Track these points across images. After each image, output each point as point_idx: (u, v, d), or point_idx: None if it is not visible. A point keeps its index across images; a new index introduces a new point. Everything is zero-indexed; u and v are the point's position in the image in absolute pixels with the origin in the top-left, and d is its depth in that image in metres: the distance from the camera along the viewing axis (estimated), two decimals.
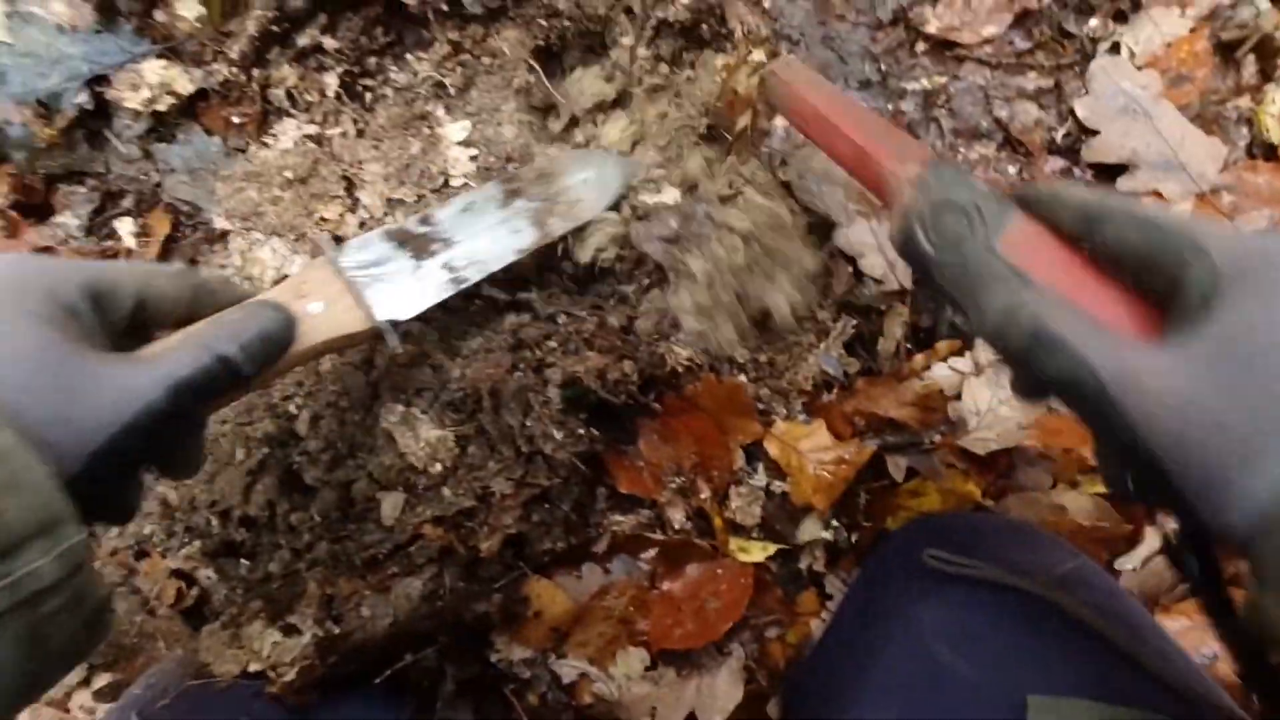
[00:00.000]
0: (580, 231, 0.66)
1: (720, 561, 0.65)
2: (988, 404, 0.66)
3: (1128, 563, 0.65)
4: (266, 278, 0.66)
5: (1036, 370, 0.31)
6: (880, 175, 0.42)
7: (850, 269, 0.68)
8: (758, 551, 0.65)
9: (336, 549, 0.62)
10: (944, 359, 0.67)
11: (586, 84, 0.74)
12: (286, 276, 0.66)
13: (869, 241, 0.68)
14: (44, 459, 0.30)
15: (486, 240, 0.59)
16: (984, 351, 0.67)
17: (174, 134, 0.69)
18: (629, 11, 0.75)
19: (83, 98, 0.66)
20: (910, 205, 0.38)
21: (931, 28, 0.72)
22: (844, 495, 0.65)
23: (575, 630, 0.65)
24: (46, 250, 0.67)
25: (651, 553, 0.66)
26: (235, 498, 0.64)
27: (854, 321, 0.68)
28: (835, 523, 0.66)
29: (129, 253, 0.68)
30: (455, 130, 0.73)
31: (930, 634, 0.51)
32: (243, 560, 0.65)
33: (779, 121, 0.73)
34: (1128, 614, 0.51)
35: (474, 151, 0.73)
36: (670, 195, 0.68)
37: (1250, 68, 0.70)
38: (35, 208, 0.67)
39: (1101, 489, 0.65)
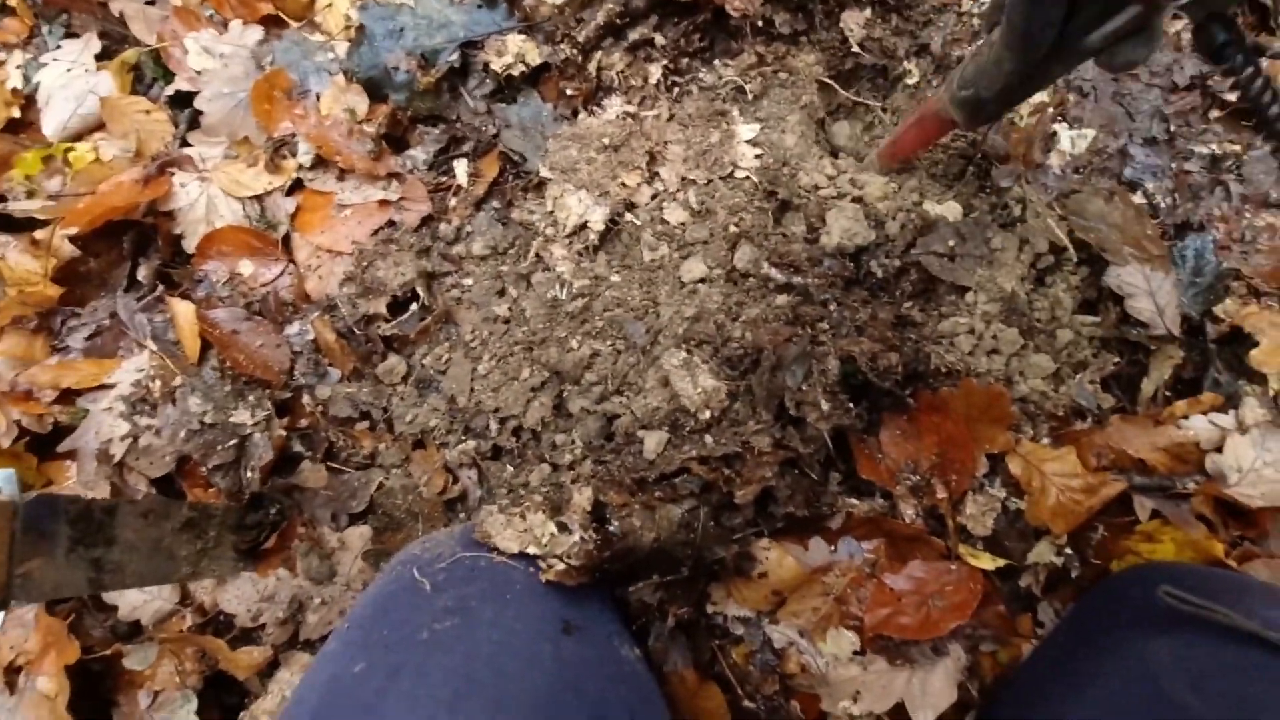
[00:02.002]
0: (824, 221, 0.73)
1: (950, 563, 0.67)
2: (1250, 463, 0.65)
3: None
4: (570, 223, 0.75)
5: None
6: (935, 116, 0.60)
7: (1117, 309, 0.70)
8: (988, 560, 0.66)
9: (599, 469, 0.69)
10: (1205, 411, 0.67)
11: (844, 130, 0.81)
12: (586, 224, 0.75)
13: (1140, 285, 0.69)
14: None
15: None
16: (1251, 411, 0.67)
17: (515, 96, 0.80)
18: (923, 50, 0.81)
19: (455, 57, 0.78)
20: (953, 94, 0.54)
21: (1231, 96, 0.74)
22: (1082, 525, 0.66)
23: (792, 599, 0.68)
24: (394, 177, 0.79)
25: (877, 541, 0.69)
26: (516, 408, 0.72)
27: (1115, 359, 0.69)
28: (1068, 550, 0.66)
29: (459, 188, 0.79)
30: (746, 130, 0.80)
31: (1161, 666, 0.50)
32: (508, 466, 0.73)
33: (1054, 159, 0.76)
34: None
35: (759, 151, 0.80)
36: (952, 211, 0.73)
37: None
38: (397, 140, 0.79)
39: None
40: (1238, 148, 0.74)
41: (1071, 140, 0.77)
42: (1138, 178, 0.75)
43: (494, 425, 0.73)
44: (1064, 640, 0.63)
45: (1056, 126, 0.77)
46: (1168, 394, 0.69)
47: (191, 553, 0.67)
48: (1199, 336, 0.69)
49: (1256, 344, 0.67)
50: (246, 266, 0.76)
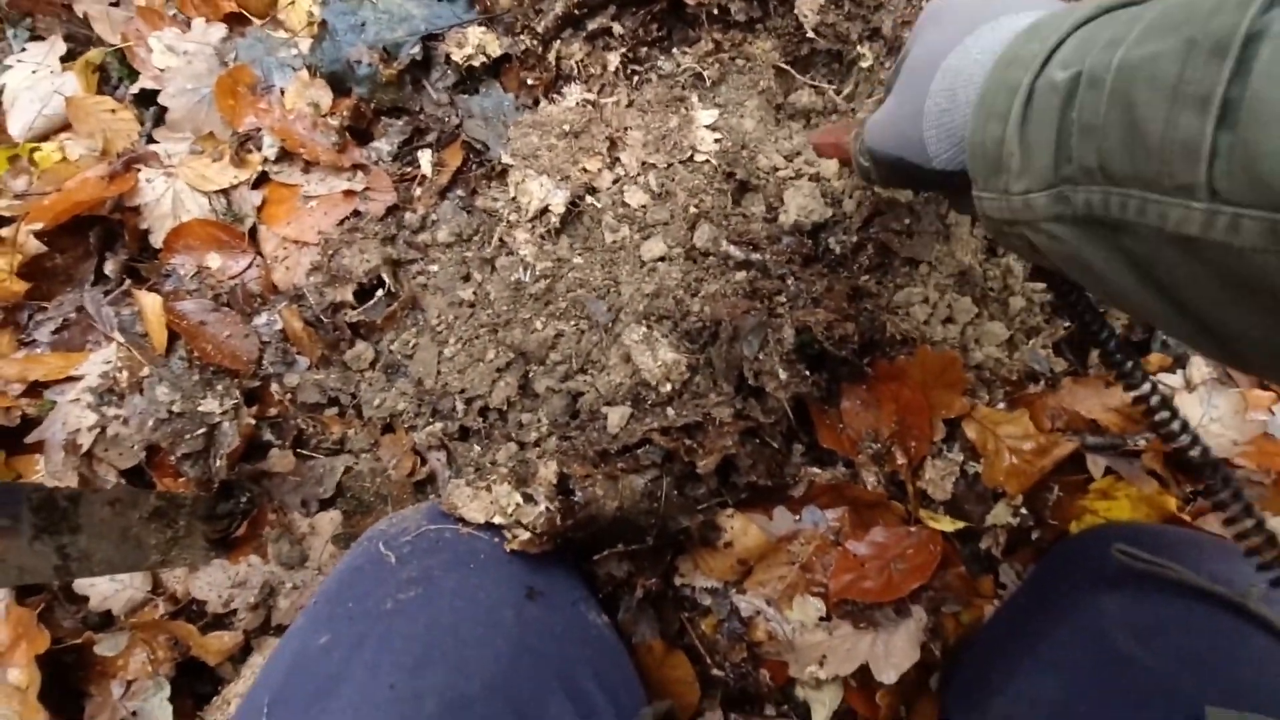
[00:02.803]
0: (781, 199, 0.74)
1: (910, 527, 0.68)
2: (1198, 420, 0.66)
3: None
4: (531, 208, 0.76)
5: (875, 173, 0.49)
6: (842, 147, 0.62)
7: None
8: (948, 523, 0.67)
9: (564, 444, 0.70)
10: (1155, 372, 0.69)
11: (804, 98, 0.83)
12: (547, 208, 0.76)
13: None
14: None
15: None
16: (1197, 369, 0.68)
17: (477, 87, 0.82)
18: (875, 34, 0.83)
19: (416, 50, 0.79)
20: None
21: None
22: (1036, 485, 0.67)
23: (758, 568, 0.69)
24: (359, 169, 0.80)
25: (841, 510, 0.70)
26: (482, 388, 0.73)
27: (1065, 324, 0.71)
28: (1024, 511, 0.68)
29: (423, 179, 0.80)
30: (705, 115, 0.82)
31: (1110, 621, 0.52)
32: (475, 446, 0.74)
33: None
34: None
35: (718, 135, 0.82)
36: (905, 193, 0.74)
37: None
38: (361, 132, 0.81)
39: None
40: None
41: None
42: None
43: (460, 406, 0.74)
44: (1023, 600, 0.64)
45: None
46: (1120, 356, 0.70)
47: (161, 541, 0.68)
48: None
49: None
50: (214, 259, 0.77)
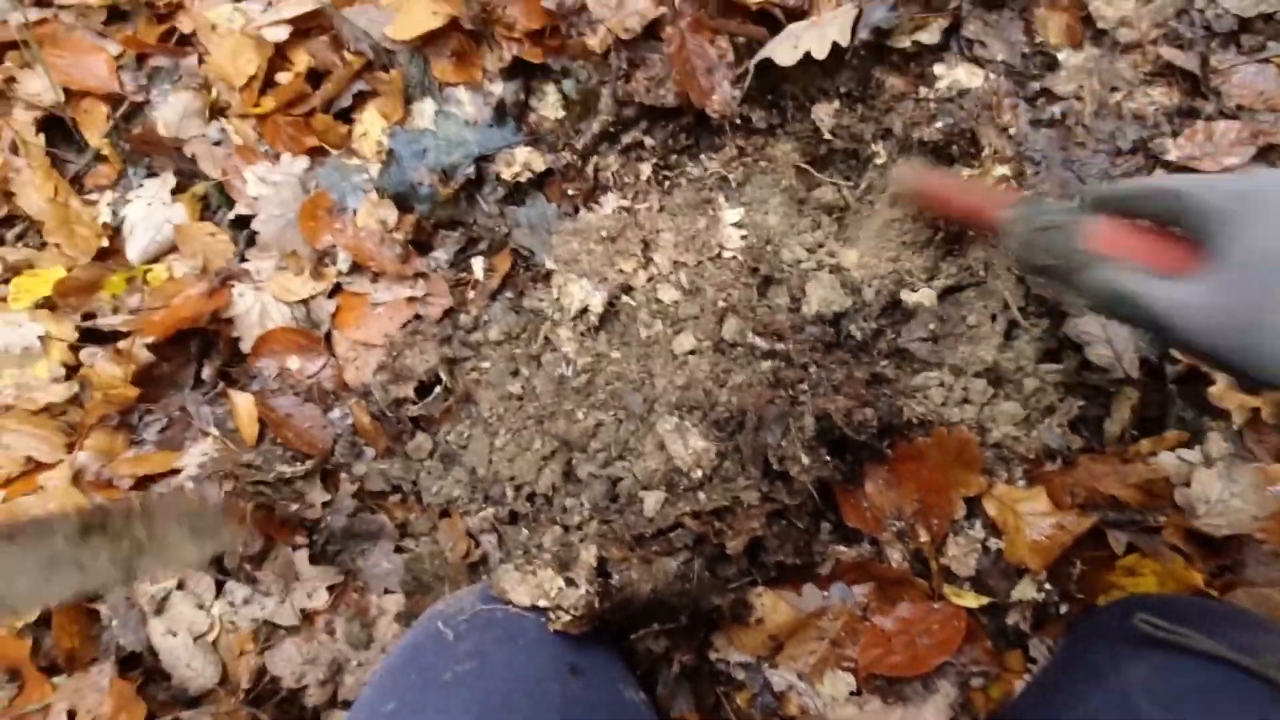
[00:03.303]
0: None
1: (935, 602, 0.71)
2: (1219, 494, 0.68)
3: None
4: (573, 308, 0.84)
5: (1122, 317, 0.46)
6: (988, 220, 0.61)
7: (1078, 356, 0.75)
8: (971, 599, 0.70)
9: (604, 528, 0.75)
10: (1172, 448, 0.71)
11: (827, 195, 0.89)
12: (587, 308, 0.84)
13: (1097, 334, 0.74)
14: None
15: None
16: (1215, 445, 0.70)
17: (523, 199, 0.91)
18: (888, 134, 0.90)
19: (470, 170, 0.90)
20: (1018, 233, 0.54)
21: (1171, 156, 0.80)
22: (1059, 561, 0.69)
23: (789, 644, 0.73)
24: (420, 276, 0.90)
25: (868, 586, 0.73)
26: (530, 475, 0.80)
27: (1080, 403, 0.74)
28: (1048, 586, 0.70)
29: (476, 284, 0.89)
30: (731, 214, 0.90)
31: (1135, 689, 0.54)
32: (524, 530, 0.80)
33: None
34: None
35: (744, 232, 0.89)
36: (928, 297, 0.80)
37: None
38: (422, 244, 0.91)
39: None
40: None
41: None
42: None
43: (510, 493, 0.80)
44: (1052, 672, 0.66)
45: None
46: (1134, 433, 0.73)
47: (116, 557, 0.62)
48: (1160, 377, 0.74)
49: (1213, 382, 0.71)
50: (294, 361, 0.87)
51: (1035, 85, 0.87)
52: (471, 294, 0.89)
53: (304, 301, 0.89)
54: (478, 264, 0.90)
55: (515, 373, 0.85)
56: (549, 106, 0.92)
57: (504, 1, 0.92)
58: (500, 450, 0.82)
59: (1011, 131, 0.86)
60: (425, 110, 0.92)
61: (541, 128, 0.91)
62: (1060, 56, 0.87)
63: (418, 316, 0.88)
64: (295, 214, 0.89)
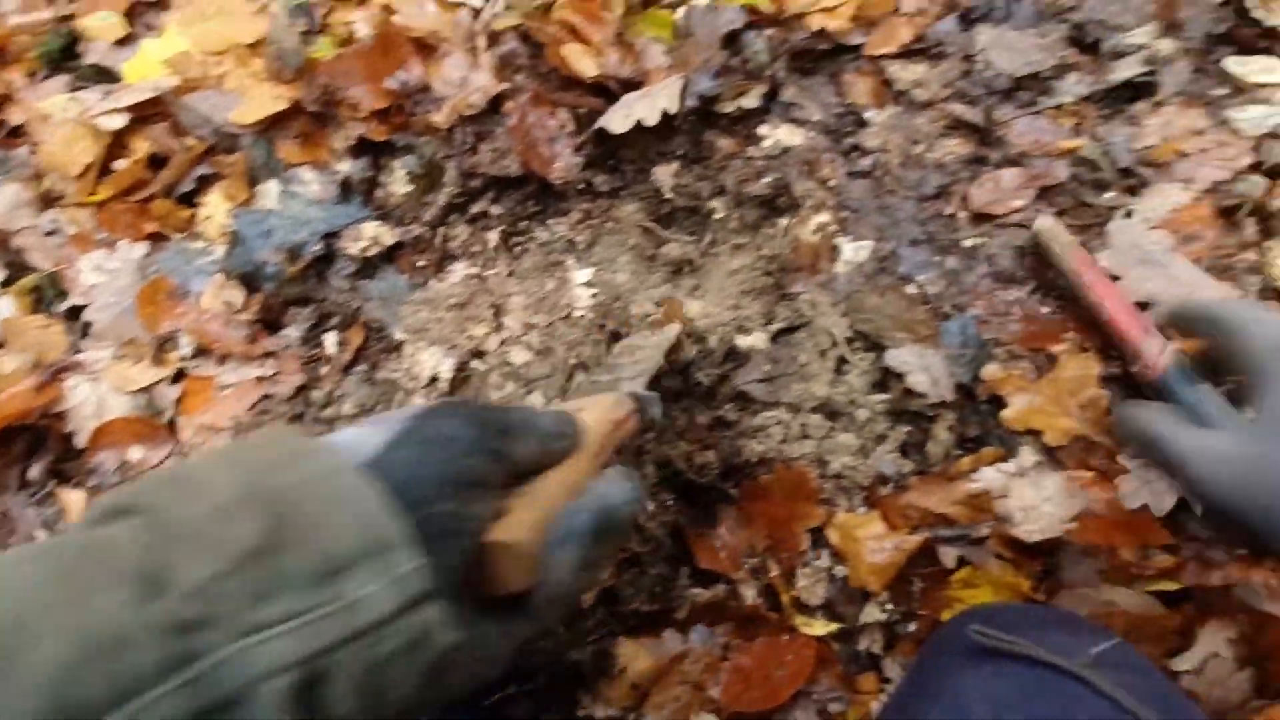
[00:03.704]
0: None
1: (786, 634, 0.72)
2: (1031, 501, 0.73)
3: (1184, 663, 0.68)
4: (424, 374, 0.85)
5: (1155, 460, 0.43)
6: (1132, 345, 0.71)
7: (901, 385, 0.80)
8: (820, 626, 0.72)
9: None
10: (991, 463, 0.76)
11: (674, 250, 0.94)
12: (437, 376, 0.85)
13: (915, 362, 0.80)
14: (375, 487, 0.28)
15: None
16: (1027, 458, 0.76)
17: (374, 272, 0.92)
18: (722, 191, 0.96)
19: (318, 247, 0.90)
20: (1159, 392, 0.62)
21: (969, 202, 0.89)
22: (897, 580, 0.73)
23: (654, 692, 0.73)
24: (270, 355, 0.89)
25: (726, 625, 0.75)
26: None
27: (907, 429, 0.79)
28: (890, 606, 0.73)
29: (329, 358, 0.89)
30: (581, 275, 0.93)
31: (970, 699, 0.57)
32: None
33: (840, 268, 0.89)
34: (1166, 695, 0.55)
35: (594, 291, 0.92)
36: (760, 340, 0.84)
37: (1251, 228, 0.82)
38: (271, 323, 0.90)
39: (1152, 587, 0.70)
40: (984, 239, 0.88)
41: (854, 250, 0.90)
42: (910, 273, 0.88)
43: None
44: (902, 689, 0.68)
45: (839, 240, 0.91)
46: (958, 453, 0.78)
47: None
48: (974, 399, 0.80)
49: (1006, 405, 0.77)
50: (136, 452, 0.84)
51: (849, 141, 0.95)
52: (324, 369, 0.88)
53: (145, 389, 0.86)
54: (330, 339, 0.89)
55: None
56: (396, 182, 0.94)
57: (347, 84, 0.94)
58: None
59: (831, 183, 0.93)
60: (271, 191, 0.92)
61: (389, 202, 0.93)
62: (868, 115, 0.96)
63: (267, 396, 0.86)
64: (133, 300, 0.87)
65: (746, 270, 0.92)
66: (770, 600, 0.75)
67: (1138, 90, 0.91)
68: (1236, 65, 0.88)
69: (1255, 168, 0.84)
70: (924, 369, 0.80)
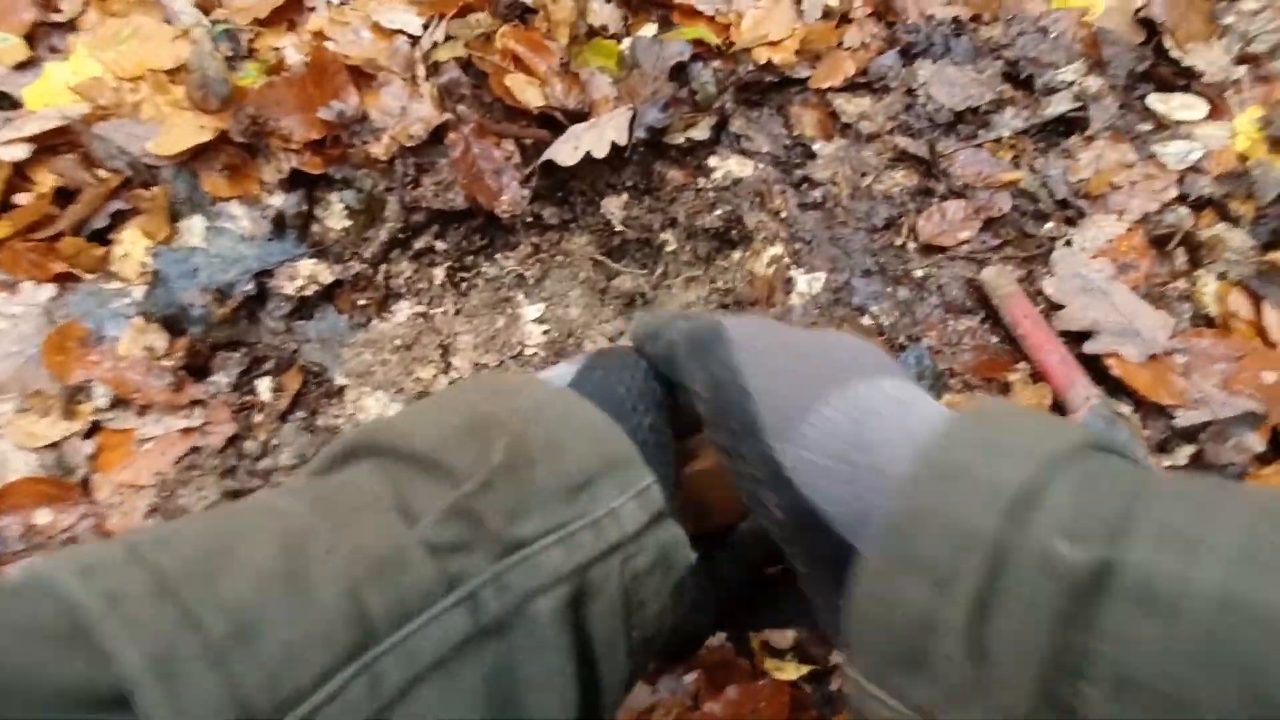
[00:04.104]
0: None
1: (759, 680, 0.71)
2: None
3: None
4: (368, 420, 0.80)
5: None
6: (1056, 389, 0.78)
7: None
8: (792, 670, 0.70)
9: None
10: None
11: (626, 283, 0.92)
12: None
13: None
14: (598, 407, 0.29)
15: None
16: None
17: (312, 313, 0.87)
18: (673, 223, 0.95)
19: (250, 287, 0.85)
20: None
21: (918, 234, 0.90)
22: None
23: None
24: (197, 404, 0.83)
25: (695, 674, 0.72)
26: None
27: None
28: None
29: (264, 405, 0.83)
30: (531, 311, 0.90)
31: None
32: None
33: (796, 299, 0.88)
34: None
35: (546, 327, 0.89)
36: None
37: (1181, 257, 0.85)
38: (198, 369, 0.83)
39: None
40: (935, 270, 0.89)
41: (808, 282, 0.90)
42: (864, 303, 0.89)
43: None
44: None
45: (793, 272, 0.91)
46: None
47: None
48: None
49: None
50: (44, 515, 0.76)
51: (799, 173, 0.96)
52: (258, 418, 0.83)
53: (54, 446, 0.78)
54: (264, 385, 0.84)
55: None
56: (334, 216, 0.89)
57: (278, 113, 0.89)
58: None
59: (783, 215, 0.93)
60: (195, 227, 0.86)
61: (327, 238, 0.88)
62: (816, 147, 0.96)
63: (195, 449, 0.80)
64: (38, 348, 0.79)
65: (701, 302, 0.91)
66: (740, 645, 0.73)
67: (1070, 125, 0.94)
68: (1159, 102, 0.93)
69: (1181, 199, 0.88)
70: None
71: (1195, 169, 0.89)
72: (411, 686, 0.22)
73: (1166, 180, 0.89)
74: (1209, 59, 0.93)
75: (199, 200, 0.88)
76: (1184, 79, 0.94)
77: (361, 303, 0.87)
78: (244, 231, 0.86)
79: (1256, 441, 0.75)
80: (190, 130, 0.87)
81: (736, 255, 0.91)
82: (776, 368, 0.31)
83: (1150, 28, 0.95)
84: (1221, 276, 0.83)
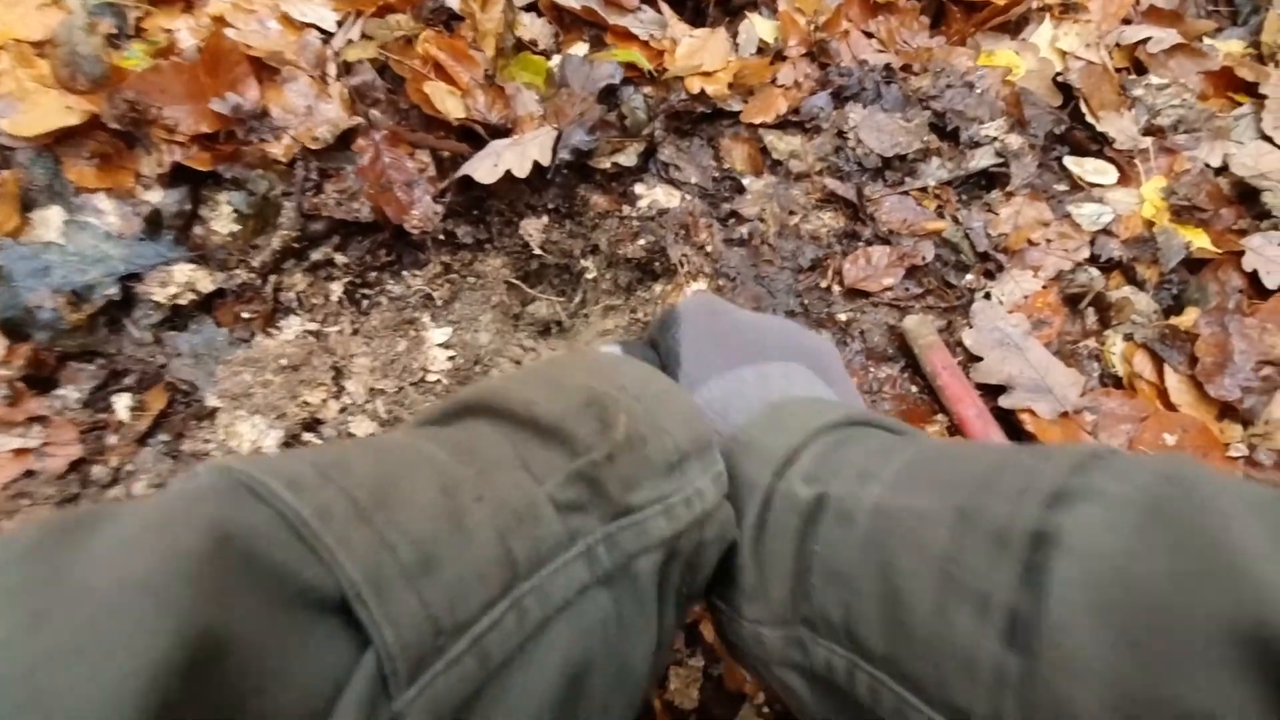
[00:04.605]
0: None
1: None
2: None
3: None
4: (243, 447, 0.72)
5: None
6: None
7: None
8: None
9: None
10: None
11: (542, 309, 0.88)
12: (260, 450, 0.72)
13: None
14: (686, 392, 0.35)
15: None
16: None
17: (187, 324, 0.78)
18: (595, 250, 0.91)
19: (113, 290, 0.75)
20: None
21: (844, 277, 0.88)
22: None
23: None
24: (37, 421, 0.72)
25: None
26: None
27: None
28: (767, 709, 0.68)
29: (120, 425, 0.73)
30: (438, 334, 0.83)
31: None
32: None
33: None
34: None
35: (452, 353, 0.83)
36: None
37: (1091, 317, 0.87)
38: (42, 380, 0.73)
39: None
40: (858, 314, 0.88)
41: None
42: None
43: None
44: None
45: None
46: None
47: None
48: None
49: None
50: None
51: (726, 207, 0.93)
52: (113, 439, 0.73)
53: None
54: (122, 402, 0.74)
55: None
56: (221, 219, 0.81)
57: (163, 101, 0.81)
58: None
59: (709, 249, 0.90)
60: (51, 219, 0.76)
61: (210, 243, 0.80)
62: (745, 182, 0.94)
63: (29, 472, 0.69)
64: None
65: (620, 331, 0.87)
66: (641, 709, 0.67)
67: (992, 179, 0.95)
68: (1074, 165, 0.95)
69: (1093, 260, 0.90)
70: None
71: (1106, 231, 0.91)
72: (548, 622, 0.25)
73: (1080, 240, 0.91)
74: (1119, 127, 0.97)
75: (60, 189, 0.78)
76: (1097, 144, 0.97)
77: (245, 316, 0.79)
78: (111, 228, 0.76)
79: None
80: (55, 110, 0.77)
81: (658, 288, 0.87)
82: (707, 338, 0.40)
83: (1068, 92, 0.98)
84: (1128, 338, 0.85)
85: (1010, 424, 0.80)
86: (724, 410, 0.37)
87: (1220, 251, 0.88)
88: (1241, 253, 0.88)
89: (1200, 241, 0.88)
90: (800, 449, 0.31)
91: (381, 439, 0.29)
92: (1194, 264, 0.89)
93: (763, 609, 0.30)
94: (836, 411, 0.33)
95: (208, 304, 0.78)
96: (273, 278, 0.80)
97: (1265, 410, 0.79)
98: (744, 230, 0.92)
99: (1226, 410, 0.80)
